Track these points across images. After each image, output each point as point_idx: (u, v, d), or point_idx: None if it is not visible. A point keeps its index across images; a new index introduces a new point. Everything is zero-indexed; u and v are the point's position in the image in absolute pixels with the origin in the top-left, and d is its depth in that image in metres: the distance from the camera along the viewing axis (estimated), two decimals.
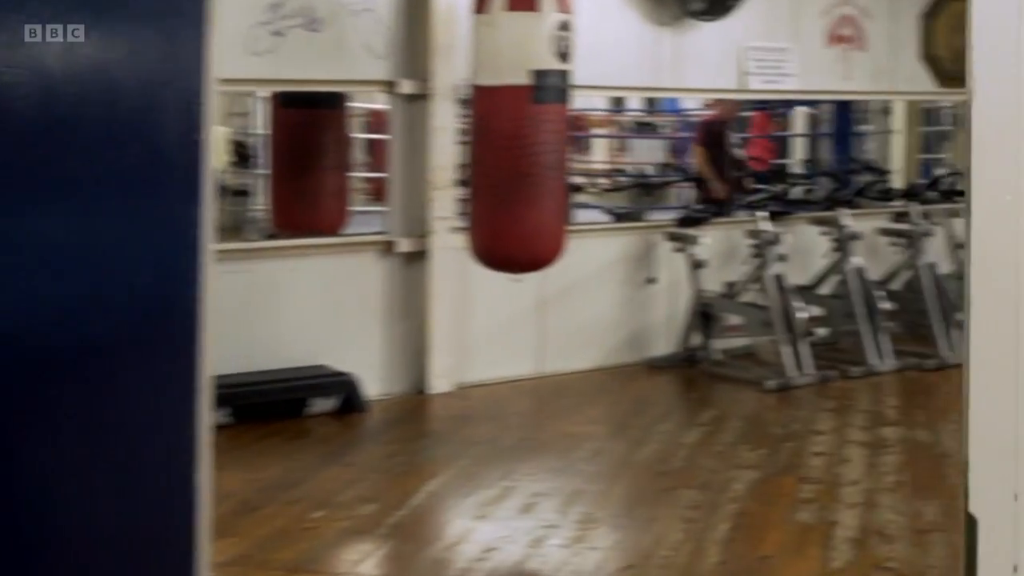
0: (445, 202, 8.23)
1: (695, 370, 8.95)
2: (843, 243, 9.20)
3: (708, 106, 12.13)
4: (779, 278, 8.71)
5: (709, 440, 7.15)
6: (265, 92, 9.96)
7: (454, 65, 8.10)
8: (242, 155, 13.06)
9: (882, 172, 11.02)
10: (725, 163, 10.74)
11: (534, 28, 6.71)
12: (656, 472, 6.50)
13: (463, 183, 7.89)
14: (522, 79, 6.70)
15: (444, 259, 8.14)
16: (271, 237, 9.29)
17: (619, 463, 6.69)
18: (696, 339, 9.05)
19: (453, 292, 8.23)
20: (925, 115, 14.47)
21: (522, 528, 5.59)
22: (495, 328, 8.52)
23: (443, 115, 8.23)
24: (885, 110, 14.50)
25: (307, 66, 7.81)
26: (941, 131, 14.43)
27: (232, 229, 12.15)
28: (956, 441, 7.17)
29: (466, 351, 8.35)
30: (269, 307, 7.70)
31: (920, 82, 10.79)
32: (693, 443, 7.07)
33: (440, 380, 8.15)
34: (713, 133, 11.17)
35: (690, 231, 9.06)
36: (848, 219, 9.26)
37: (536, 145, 6.76)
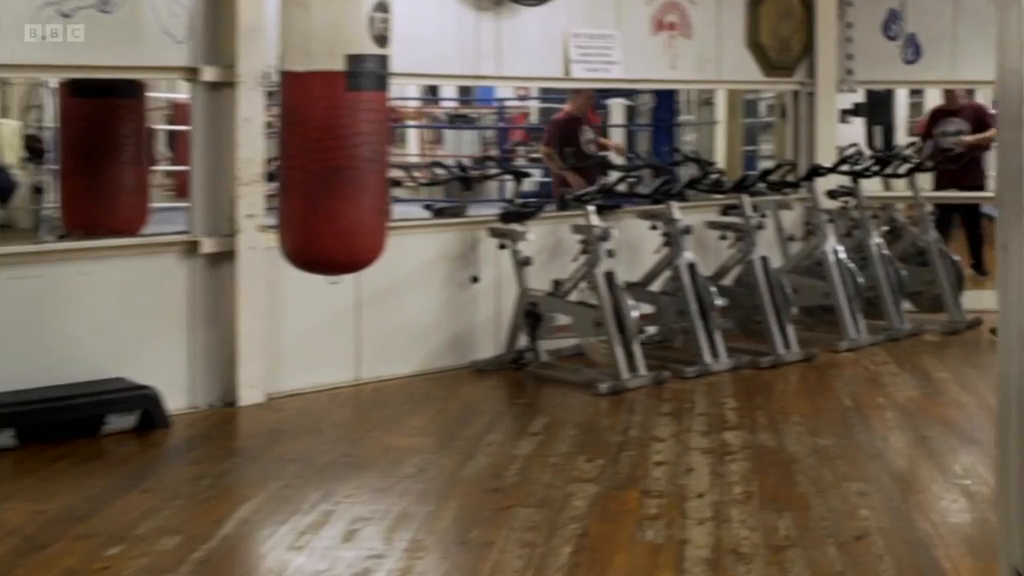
0: (254, 198, 7.63)
1: (523, 373, 8.50)
2: (674, 237, 8.82)
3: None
4: (609, 275, 8.29)
5: (543, 451, 6.67)
6: (55, 81, 9.26)
7: (262, 50, 7.52)
8: (35, 150, 12.37)
9: (707, 164, 10.68)
10: (580, 159, 10.38)
11: (349, 9, 6.23)
12: (488, 489, 5.98)
13: (273, 178, 7.30)
14: (336, 64, 6.20)
15: (253, 260, 7.54)
16: (64, 238, 8.60)
17: (448, 480, 6.16)
18: (523, 340, 8.60)
19: (263, 295, 7.63)
20: (746, 106, 14.29)
21: (344, 559, 5.04)
22: (309, 333, 7.94)
23: (250, 104, 7.62)
24: (707, 101, 14.30)
25: (99, 51, 7.12)
26: (763, 122, 14.27)
27: (28, 229, 11.45)
28: (800, 444, 6.86)
29: (278, 359, 7.75)
30: (60, 316, 7.01)
31: (746, 71, 10.52)
32: (526, 455, 6.58)
33: (250, 391, 7.54)
34: (566, 132, 10.96)
35: (514, 227, 8.60)
36: (679, 212, 8.89)
37: (352, 136, 6.27)
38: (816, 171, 10.03)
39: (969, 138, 11.14)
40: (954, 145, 11.35)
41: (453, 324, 8.67)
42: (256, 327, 7.58)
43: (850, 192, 10.20)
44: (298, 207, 6.35)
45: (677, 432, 7.08)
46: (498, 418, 7.52)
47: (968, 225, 11.91)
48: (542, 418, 7.44)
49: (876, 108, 14.37)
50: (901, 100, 16.55)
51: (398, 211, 10.46)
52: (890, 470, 6.42)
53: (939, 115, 11.98)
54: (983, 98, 14.22)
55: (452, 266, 8.68)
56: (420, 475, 6.23)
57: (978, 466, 6.52)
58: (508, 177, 10.14)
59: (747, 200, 9.27)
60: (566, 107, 11.44)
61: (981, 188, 11.66)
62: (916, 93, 16.75)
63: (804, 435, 7.01)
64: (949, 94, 11.90)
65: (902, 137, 15.89)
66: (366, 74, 6.28)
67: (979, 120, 11.59)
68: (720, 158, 13.24)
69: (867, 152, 11.16)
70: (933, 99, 15.36)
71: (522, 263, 8.52)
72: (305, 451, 6.63)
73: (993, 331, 9.81)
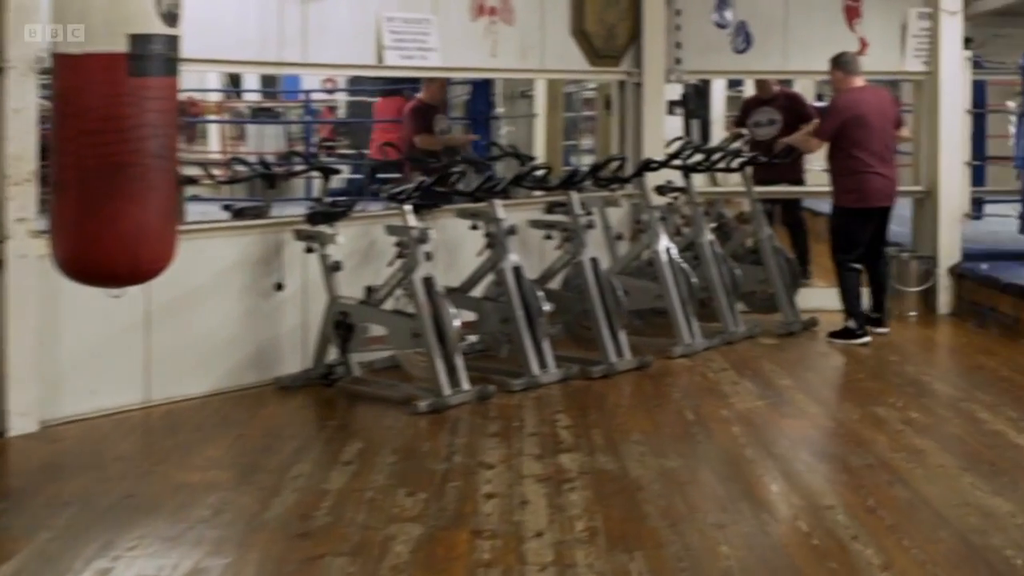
0: (25, 200, 6.72)
1: (333, 390, 7.69)
2: (498, 238, 8.13)
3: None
4: (428, 281, 7.55)
5: (357, 483, 5.88)
6: None
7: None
8: None
9: (528, 158, 10.01)
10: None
11: None
12: (296, 534, 5.18)
13: (48, 176, 6.40)
14: (118, 46, 5.35)
15: (24, 270, 6.64)
16: None
17: (249, 524, 5.33)
18: (333, 354, 7.80)
19: (36, 310, 6.72)
20: (565, 99, 13.70)
21: None
22: (91, 351, 7.02)
23: (21, 93, 6.73)
24: (523, 94, 13.67)
25: None
26: (586, 116, 13.69)
27: None
28: (645, 468, 6.14)
29: (55, 381, 6.84)
30: None
31: (571, 60, 9.89)
32: (338, 489, 5.79)
33: (21, 419, 6.61)
34: (420, 121, 10.70)
35: (323, 228, 7.81)
36: (503, 211, 8.19)
37: (136, 128, 5.44)
38: (647, 166, 9.43)
39: (786, 140, 10.46)
40: (765, 137, 10.84)
41: (255, 337, 7.83)
42: (28, 346, 6.67)
43: (680, 188, 9.64)
44: (73, 209, 5.48)
45: (507, 456, 6.37)
46: (306, 444, 6.68)
47: (790, 222, 11.44)
48: (356, 443, 6.65)
49: (694, 101, 13.88)
50: (718, 93, 16.16)
51: (193, 212, 9.56)
52: (746, 495, 5.79)
53: (752, 105, 11.50)
54: (800, 88, 13.87)
55: (253, 272, 7.83)
56: (216, 518, 5.40)
57: (838, 487, 5.98)
58: (316, 174, 9.30)
59: (576, 197, 8.62)
60: (420, 95, 11.02)
61: (799, 182, 11.21)
62: (734, 85, 16.38)
63: (648, 456, 6.36)
64: (761, 83, 11.43)
65: (718, 131, 15.51)
66: (152, 57, 5.47)
67: (792, 109, 11.06)
68: (539, 153, 12.58)
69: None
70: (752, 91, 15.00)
71: (331, 268, 7.74)
72: (82, 491, 5.73)
73: (832, 335, 9.42)
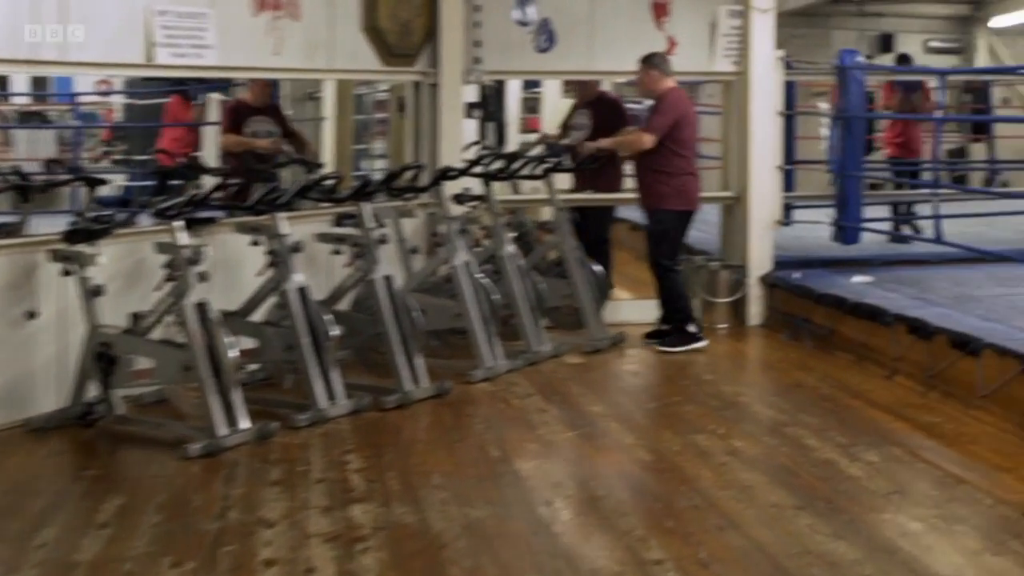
0: None
1: (93, 431, 6.80)
2: (281, 256, 7.33)
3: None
4: (202, 306, 6.72)
5: (114, 551, 5.02)
6: None
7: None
8: None
9: (316, 165, 9.25)
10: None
11: None
12: None
13: None
14: None
15: None
16: None
17: None
18: (94, 390, 6.91)
19: None
20: (357, 101, 12.96)
21: None
22: None
23: None
24: (310, 96, 12.89)
25: None
26: (379, 118, 12.97)
27: None
28: (447, 519, 5.28)
29: None
30: None
31: (362, 59, 9.13)
32: (90, 561, 4.92)
33: None
34: (228, 121, 10.23)
35: (83, 248, 6.91)
36: (287, 226, 7.39)
37: None
38: (446, 174, 8.72)
39: (608, 142, 9.73)
40: (574, 142, 10.20)
41: (2, 372, 6.89)
42: None
43: (479, 196, 8.96)
44: None
45: (291, 510, 5.58)
46: (57, 502, 5.76)
47: (594, 230, 10.75)
48: (115, 498, 5.75)
49: (493, 103, 13.25)
50: (513, 94, 15.54)
51: None
52: (563, 552, 5.11)
53: (574, 108, 10.82)
54: (610, 87, 13.29)
55: (1, 299, 6.90)
56: None
57: (666, 536, 5.30)
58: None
59: (368, 209, 7.86)
60: (245, 93, 10.48)
61: (616, 190, 10.58)
62: (531, 87, 15.80)
63: (450, 504, 5.64)
64: (583, 86, 10.74)
65: (514, 134, 14.91)
66: None
67: (606, 115, 10.37)
68: (328, 159, 11.80)
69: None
70: (552, 91, 14.45)
71: (92, 293, 6.85)
72: None
73: (664, 344, 8.87)
